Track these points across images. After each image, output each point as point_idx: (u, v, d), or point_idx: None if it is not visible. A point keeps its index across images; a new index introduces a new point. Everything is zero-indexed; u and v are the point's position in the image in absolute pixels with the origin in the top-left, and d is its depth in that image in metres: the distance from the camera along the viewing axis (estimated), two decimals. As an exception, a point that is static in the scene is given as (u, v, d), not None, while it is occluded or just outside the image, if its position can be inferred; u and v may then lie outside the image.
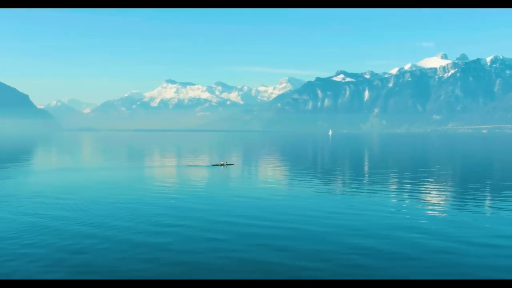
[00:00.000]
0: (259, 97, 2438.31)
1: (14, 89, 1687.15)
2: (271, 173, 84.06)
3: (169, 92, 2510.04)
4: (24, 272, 25.91)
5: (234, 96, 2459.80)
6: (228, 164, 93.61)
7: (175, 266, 27.17)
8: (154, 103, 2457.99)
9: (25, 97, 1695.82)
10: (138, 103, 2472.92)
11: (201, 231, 35.46)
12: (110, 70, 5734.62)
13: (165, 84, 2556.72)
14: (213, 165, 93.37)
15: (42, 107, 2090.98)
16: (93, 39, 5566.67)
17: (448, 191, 60.69)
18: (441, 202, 50.38)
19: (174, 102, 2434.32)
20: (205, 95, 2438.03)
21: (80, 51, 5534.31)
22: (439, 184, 66.35)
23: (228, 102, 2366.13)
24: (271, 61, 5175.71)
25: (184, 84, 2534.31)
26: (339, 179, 75.39)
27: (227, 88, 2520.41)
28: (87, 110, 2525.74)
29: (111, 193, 54.57)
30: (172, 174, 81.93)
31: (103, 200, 48.92)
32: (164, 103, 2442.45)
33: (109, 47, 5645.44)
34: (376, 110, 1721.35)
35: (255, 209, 44.54)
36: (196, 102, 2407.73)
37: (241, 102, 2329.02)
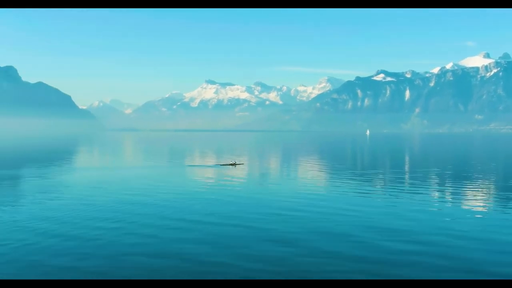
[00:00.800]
0: (298, 97, 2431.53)
1: (56, 90, 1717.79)
2: (306, 173, 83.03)
3: (209, 92, 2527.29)
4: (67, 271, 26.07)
5: (273, 96, 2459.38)
6: (237, 164, 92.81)
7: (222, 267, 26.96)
8: (194, 104, 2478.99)
9: (67, 98, 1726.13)
10: (179, 103, 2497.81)
11: (246, 229, 35.33)
12: (151, 71, 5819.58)
13: (205, 85, 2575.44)
14: (221, 165, 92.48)
15: (84, 107, 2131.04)
16: (135, 39, 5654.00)
17: (493, 192, 58.93)
18: (488, 204, 49.07)
19: (213, 103, 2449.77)
20: (244, 95, 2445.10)
21: (122, 51, 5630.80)
22: (484, 185, 64.55)
23: (267, 102, 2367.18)
24: (310, 60, 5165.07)
25: (224, 85, 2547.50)
26: (375, 180, 73.86)
27: (266, 88, 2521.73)
28: (128, 111, 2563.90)
29: (147, 192, 54.83)
30: (209, 173, 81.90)
31: (136, 199, 49.32)
32: (203, 103, 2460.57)
33: (151, 47, 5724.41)
34: (417, 110, 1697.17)
35: (293, 210, 43.93)
36: (235, 103, 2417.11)
37: (280, 102, 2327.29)
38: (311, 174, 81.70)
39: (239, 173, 79.63)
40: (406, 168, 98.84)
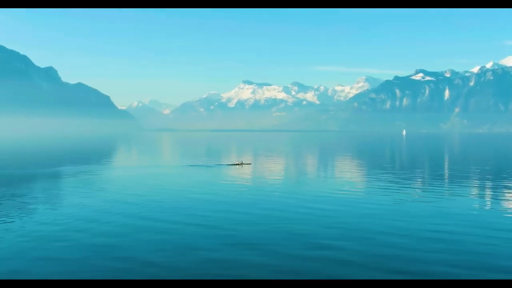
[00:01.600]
0: (335, 97, 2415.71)
1: (96, 90, 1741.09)
2: (344, 173, 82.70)
3: (246, 92, 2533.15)
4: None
5: (310, 96, 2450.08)
6: (244, 164, 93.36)
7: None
8: (231, 104, 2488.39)
9: (106, 98, 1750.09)
10: (216, 103, 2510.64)
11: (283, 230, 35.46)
12: (189, 72, 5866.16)
13: (242, 85, 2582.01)
14: (228, 165, 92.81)
15: (124, 108, 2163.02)
16: (172, 40, 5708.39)
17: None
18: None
19: (250, 103, 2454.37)
20: (281, 95, 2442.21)
21: (161, 52, 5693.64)
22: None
23: (304, 102, 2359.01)
24: (348, 60, 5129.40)
25: (261, 85, 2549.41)
26: (412, 181, 72.85)
27: (303, 88, 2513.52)
28: (166, 111, 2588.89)
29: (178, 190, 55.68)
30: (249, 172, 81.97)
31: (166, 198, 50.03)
32: (240, 103, 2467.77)
33: (189, 48, 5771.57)
34: (456, 110, 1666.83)
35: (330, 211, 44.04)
36: (272, 103, 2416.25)
37: (317, 102, 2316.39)
38: (348, 175, 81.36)
39: (277, 173, 79.91)
40: (446, 168, 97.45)
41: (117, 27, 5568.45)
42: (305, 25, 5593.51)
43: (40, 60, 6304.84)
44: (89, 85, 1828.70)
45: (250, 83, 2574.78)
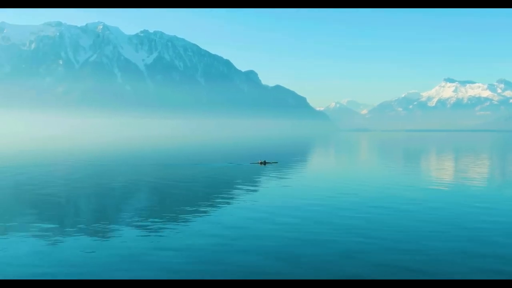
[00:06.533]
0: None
1: (293, 92, 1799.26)
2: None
3: (447, 91, 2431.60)
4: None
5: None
6: (268, 162, 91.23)
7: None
8: (432, 103, 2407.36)
9: (303, 99, 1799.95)
10: (415, 103, 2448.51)
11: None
12: (388, 71, 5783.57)
13: (443, 83, 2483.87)
14: (251, 163, 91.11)
15: (321, 108, 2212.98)
16: (370, 39, 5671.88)
17: None
18: None
19: (452, 102, 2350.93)
20: (486, 93, 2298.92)
21: (359, 50, 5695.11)
22: None
23: (511, 101, 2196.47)
24: None
25: (463, 83, 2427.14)
26: None
27: (511, 85, 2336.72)
28: (364, 111, 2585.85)
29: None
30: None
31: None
32: (441, 102, 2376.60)
33: (387, 46, 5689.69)
34: None
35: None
36: (476, 101, 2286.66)
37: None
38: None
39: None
40: None
41: (320, 28, 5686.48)
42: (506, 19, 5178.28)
43: (241, 64, 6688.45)
44: (286, 87, 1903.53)
45: (452, 81, 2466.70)
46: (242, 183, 60.13)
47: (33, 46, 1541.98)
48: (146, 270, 24.18)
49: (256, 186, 58.49)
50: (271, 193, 52.17)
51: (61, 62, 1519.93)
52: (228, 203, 44.57)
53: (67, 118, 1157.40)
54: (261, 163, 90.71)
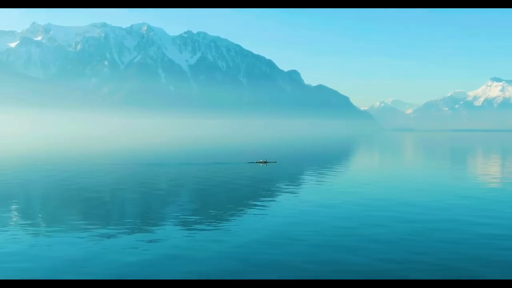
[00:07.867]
0: None
1: (335, 92, 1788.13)
2: None
3: (494, 90, 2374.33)
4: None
5: None
6: (268, 162, 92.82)
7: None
8: (478, 102, 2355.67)
9: (346, 99, 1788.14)
10: (461, 102, 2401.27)
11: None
12: (434, 70, 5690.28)
13: (490, 83, 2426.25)
14: (249, 163, 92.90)
15: (366, 108, 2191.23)
16: (416, 39, 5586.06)
17: None
18: None
19: (499, 101, 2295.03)
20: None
21: (401, 50, 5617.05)
22: None
23: None
24: None
25: (510, 82, 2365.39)
26: None
27: None
28: (409, 111, 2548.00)
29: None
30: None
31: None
32: (488, 102, 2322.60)
33: (433, 45, 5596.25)
34: None
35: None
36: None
37: None
38: None
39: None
40: None
41: (363, 28, 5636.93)
42: None
43: (283, 63, 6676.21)
44: (329, 86, 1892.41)
45: (499, 80, 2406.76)
46: (285, 184, 62.85)
47: (78, 47, 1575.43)
48: (200, 268, 25.30)
49: (299, 186, 61.35)
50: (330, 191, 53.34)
51: (106, 63, 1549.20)
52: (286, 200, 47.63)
53: (113, 118, 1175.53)
54: (261, 162, 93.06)
